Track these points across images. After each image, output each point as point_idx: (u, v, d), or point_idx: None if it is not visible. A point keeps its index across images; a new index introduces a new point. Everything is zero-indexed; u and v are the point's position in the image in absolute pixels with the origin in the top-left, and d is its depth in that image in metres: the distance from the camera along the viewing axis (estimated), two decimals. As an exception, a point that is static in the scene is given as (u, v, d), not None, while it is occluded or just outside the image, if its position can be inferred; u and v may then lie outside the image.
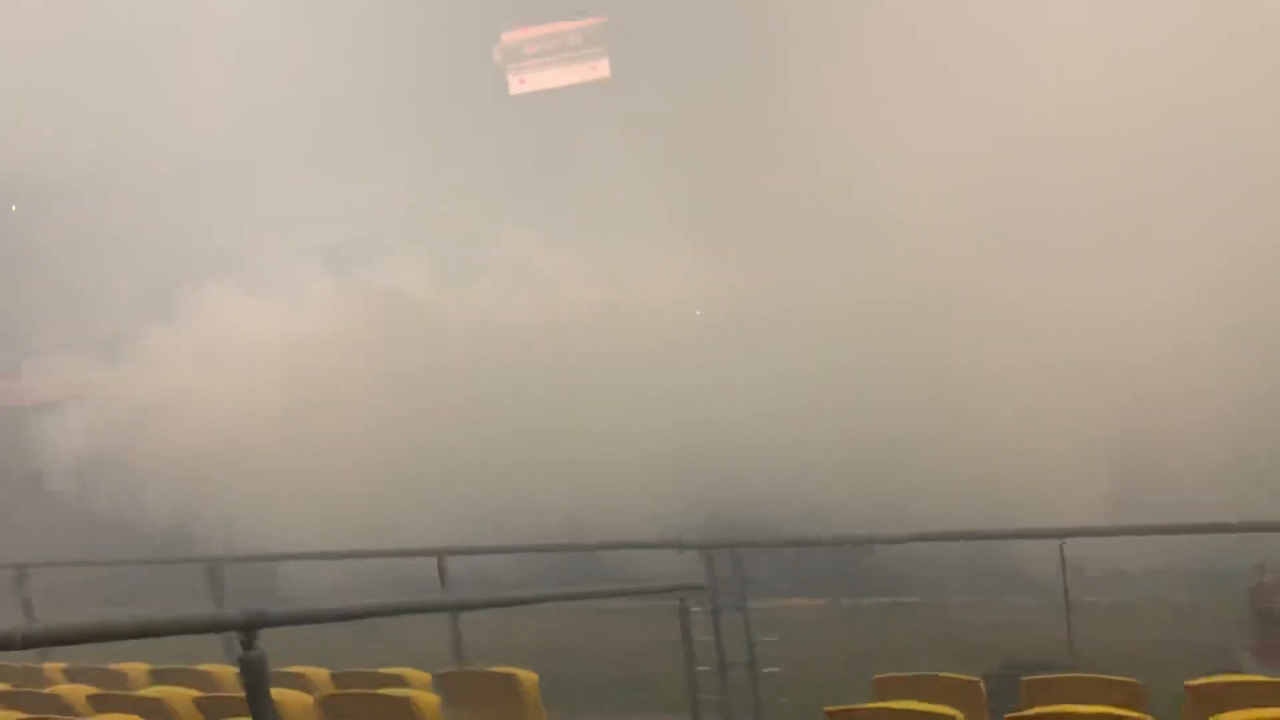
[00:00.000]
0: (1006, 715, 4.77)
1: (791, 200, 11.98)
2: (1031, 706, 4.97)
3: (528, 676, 5.96)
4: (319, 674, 6.19)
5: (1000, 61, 10.88)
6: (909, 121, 11.09)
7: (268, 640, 3.24)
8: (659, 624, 6.81)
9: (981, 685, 5.41)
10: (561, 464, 11.04)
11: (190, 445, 12.36)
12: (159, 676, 6.45)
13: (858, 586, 9.56)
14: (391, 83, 15.54)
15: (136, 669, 6.53)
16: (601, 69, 18.51)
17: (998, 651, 7.54)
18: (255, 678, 3.20)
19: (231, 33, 15.55)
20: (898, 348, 10.62)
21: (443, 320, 13.10)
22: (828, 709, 4.86)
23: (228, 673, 6.28)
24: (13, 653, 4.99)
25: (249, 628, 3.15)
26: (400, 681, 5.94)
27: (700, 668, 6.76)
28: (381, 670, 6.14)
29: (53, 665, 6.70)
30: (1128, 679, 5.17)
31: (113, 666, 6.54)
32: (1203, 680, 5.01)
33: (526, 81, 18.89)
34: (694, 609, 6.70)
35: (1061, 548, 6.64)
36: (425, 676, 6.08)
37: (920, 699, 5.04)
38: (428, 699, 5.54)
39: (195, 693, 5.86)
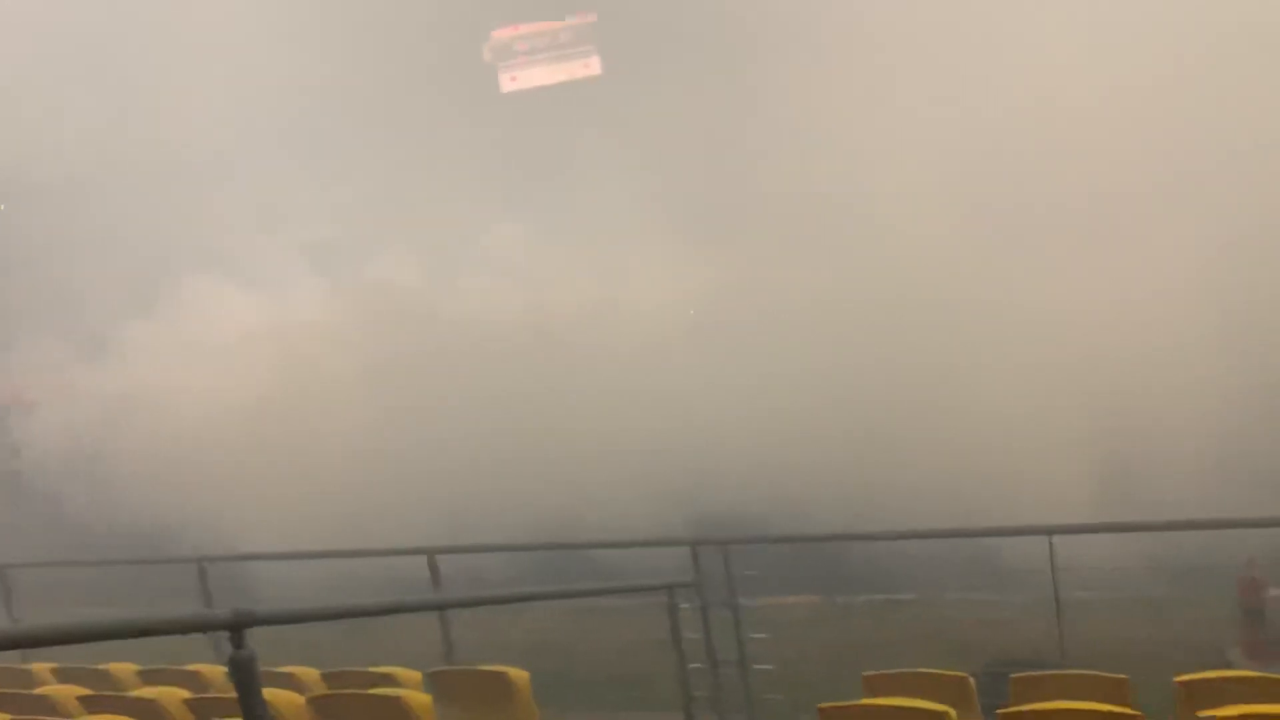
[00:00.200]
0: (997, 711, 4.77)
1: (779, 199, 11.99)
2: (1021, 703, 4.99)
3: (519, 675, 5.95)
4: (310, 673, 6.17)
5: (985, 62, 10.93)
6: (896, 122, 11.13)
7: (256, 640, 3.23)
8: (650, 621, 6.80)
9: (971, 682, 5.42)
10: (550, 462, 11.04)
11: (174, 443, 12.30)
12: (148, 677, 6.42)
13: (848, 584, 9.57)
14: (381, 80, 15.51)
15: (125, 669, 6.50)
16: (592, 66, 18.49)
17: (988, 648, 7.56)
18: (245, 677, 3.18)
19: (220, 31, 15.50)
20: (886, 346, 10.64)
21: (431, 318, 13.08)
22: (821, 706, 4.86)
23: (217, 673, 6.26)
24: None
25: (238, 627, 3.13)
26: (391, 681, 5.93)
27: (692, 665, 6.76)
28: (372, 669, 6.12)
29: (42, 666, 6.66)
30: (1116, 675, 5.18)
31: (101, 667, 6.51)
32: (1192, 676, 5.02)
33: (517, 79, 18.86)
34: (683, 606, 6.70)
35: (1050, 544, 6.65)
36: (416, 675, 6.07)
37: (911, 695, 5.05)
38: (419, 698, 5.53)
39: (185, 693, 5.84)
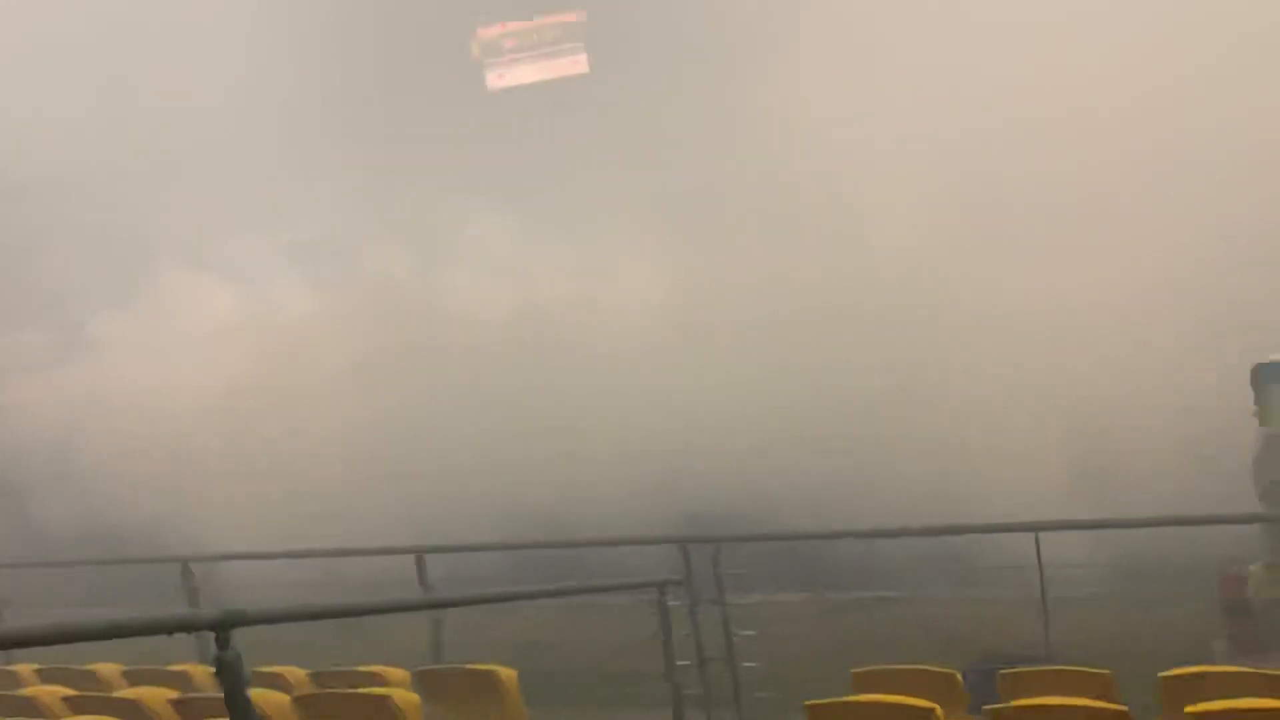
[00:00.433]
0: (985, 707, 4.79)
1: (764, 197, 12.02)
2: (1009, 698, 5.01)
3: (508, 673, 5.94)
4: (297, 673, 6.16)
5: (968, 62, 10.99)
6: (880, 122, 11.19)
7: (242, 639, 3.21)
8: (639, 619, 6.81)
9: (959, 678, 5.44)
10: (538, 461, 11.03)
11: (151, 441, 12.21)
12: (133, 677, 6.40)
13: (836, 581, 9.59)
14: (367, 76, 15.48)
15: (110, 670, 6.47)
16: (580, 64, 18.48)
17: (975, 645, 7.58)
18: (232, 678, 3.16)
19: (206, 28, 15.45)
20: (873, 344, 10.68)
21: (416, 315, 13.04)
22: (807, 703, 4.87)
23: (204, 673, 6.24)
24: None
25: (224, 627, 3.12)
26: (379, 680, 5.92)
27: (681, 662, 6.77)
28: (360, 669, 6.11)
29: (25, 666, 6.63)
30: (1103, 670, 5.21)
31: (86, 668, 6.47)
32: (1176, 672, 5.05)
33: (505, 77, 18.84)
34: (673, 603, 6.71)
35: (1037, 541, 6.69)
36: (404, 675, 6.06)
37: (899, 692, 5.07)
38: (408, 697, 5.52)
39: (172, 693, 5.82)
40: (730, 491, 10.22)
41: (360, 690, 5.61)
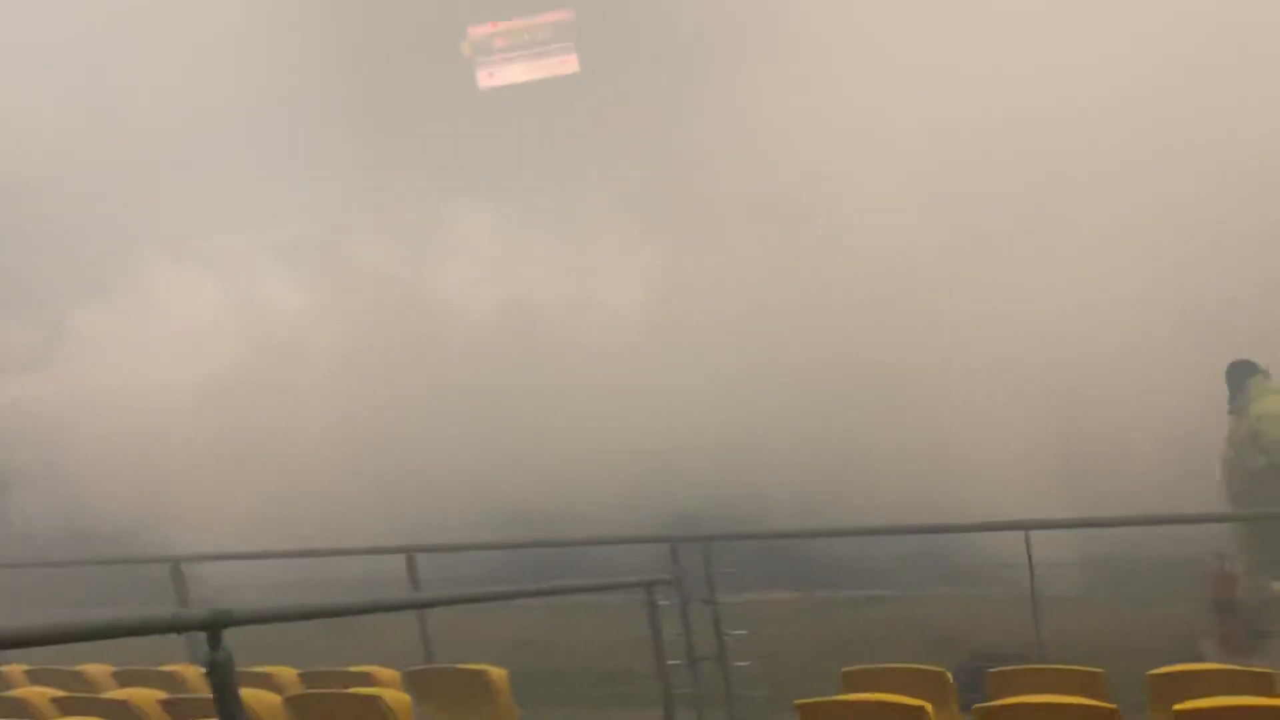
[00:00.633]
0: (975, 706, 4.81)
1: (755, 197, 12.05)
2: (999, 697, 5.03)
3: (498, 673, 5.95)
4: (287, 673, 6.15)
5: (955, 63, 11.05)
6: (867, 121, 11.22)
7: (233, 640, 3.21)
8: (630, 618, 6.81)
9: (949, 676, 5.46)
10: (528, 459, 11.02)
11: (133, 439, 12.13)
12: (123, 678, 6.38)
13: (827, 580, 9.61)
14: (359, 75, 15.46)
15: (100, 671, 6.45)
16: (570, 64, 18.50)
17: (966, 643, 7.61)
18: (222, 678, 3.16)
19: (196, 26, 15.41)
20: (866, 343, 10.69)
21: (405, 313, 13.00)
22: (797, 701, 4.89)
23: (194, 673, 6.23)
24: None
25: (214, 627, 3.12)
26: (370, 680, 5.92)
27: (672, 661, 6.78)
28: (351, 669, 6.10)
29: (14, 668, 6.60)
30: (1092, 669, 5.23)
31: (75, 668, 6.45)
32: (1165, 670, 5.08)
33: (495, 76, 18.85)
34: (663, 602, 6.71)
35: (1027, 539, 6.71)
36: (395, 674, 6.06)
37: (889, 691, 5.08)
38: (398, 697, 5.52)
39: (161, 694, 5.81)
40: (720, 490, 10.22)
41: (351, 690, 5.60)
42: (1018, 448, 9.54)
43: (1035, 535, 6.78)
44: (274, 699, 5.54)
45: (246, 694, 4.45)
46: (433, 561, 7.88)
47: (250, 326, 13.20)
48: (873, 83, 11.24)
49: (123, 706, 5.52)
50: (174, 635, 3.33)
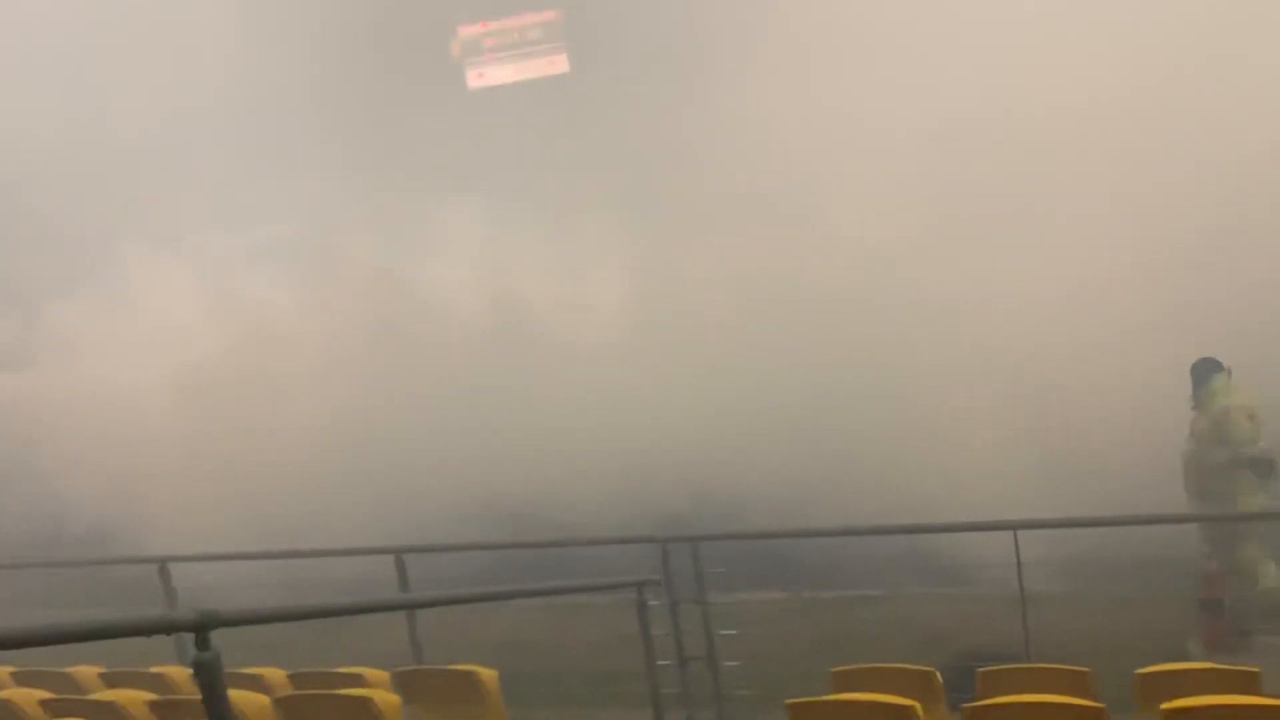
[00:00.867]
0: (963, 705, 4.82)
1: (743, 196, 12.07)
2: (987, 696, 5.05)
3: (488, 674, 5.94)
4: (276, 674, 6.14)
5: (935, 61, 11.10)
6: (855, 120, 11.28)
7: (221, 641, 3.20)
8: (620, 618, 6.81)
9: (938, 676, 5.48)
10: (517, 459, 11.01)
11: (114, 438, 12.04)
12: (111, 680, 6.36)
13: (816, 580, 9.64)
14: (348, 74, 15.43)
15: (88, 672, 6.43)
16: (560, 64, 18.49)
17: (954, 643, 7.64)
18: (210, 679, 3.15)
19: (186, 25, 15.36)
20: (856, 342, 10.74)
21: (394, 313, 12.98)
22: (788, 701, 4.89)
23: (182, 675, 6.21)
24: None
25: (202, 629, 3.11)
26: (359, 681, 5.91)
27: (661, 661, 6.78)
28: (340, 670, 6.09)
29: (1, 669, 6.57)
30: (1080, 668, 5.25)
31: (63, 670, 6.43)
32: (1153, 669, 5.10)
33: (484, 76, 18.83)
34: (652, 602, 6.72)
35: (1015, 539, 6.73)
36: (384, 675, 6.05)
37: (878, 690, 5.09)
38: (388, 698, 5.51)
39: (150, 695, 5.79)
40: (710, 490, 10.25)
41: (340, 691, 5.59)
42: (1003, 445, 9.59)
43: (1027, 534, 6.80)
44: (263, 700, 5.53)
45: (235, 695, 4.44)
46: (422, 561, 7.87)
47: (235, 323, 13.14)
48: (859, 82, 11.30)
49: (111, 708, 5.50)
50: (162, 636, 3.31)
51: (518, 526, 10.42)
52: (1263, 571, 7.68)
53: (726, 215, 12.21)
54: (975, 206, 10.85)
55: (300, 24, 14.89)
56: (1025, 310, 10.15)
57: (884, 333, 10.63)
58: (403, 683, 5.98)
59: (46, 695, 5.84)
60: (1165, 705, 4.41)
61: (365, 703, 5.30)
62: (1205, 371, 7.92)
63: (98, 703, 5.67)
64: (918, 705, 4.78)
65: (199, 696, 3.17)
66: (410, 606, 7.45)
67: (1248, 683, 4.86)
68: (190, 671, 3.20)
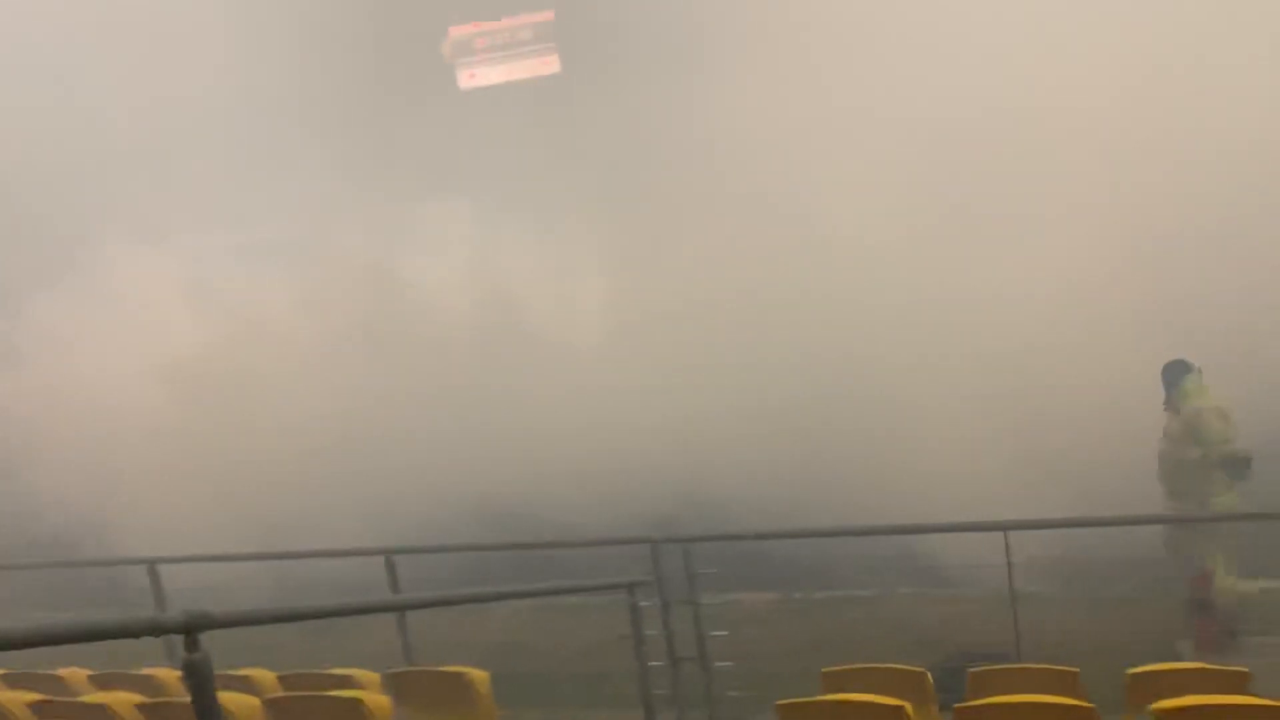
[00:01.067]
0: (954, 705, 4.83)
1: (733, 196, 12.11)
2: (978, 696, 5.06)
3: (479, 675, 5.93)
4: (266, 676, 6.12)
5: (921, 63, 11.17)
6: (839, 120, 11.31)
7: (211, 642, 3.19)
8: (611, 619, 6.81)
9: (928, 676, 5.49)
10: (508, 460, 11.00)
11: (101, 438, 11.98)
12: (100, 681, 6.33)
13: (807, 581, 9.65)
14: (339, 74, 15.41)
15: (76, 674, 6.40)
16: (552, 65, 18.49)
17: (945, 643, 7.65)
18: (199, 681, 3.14)
19: (177, 24, 15.32)
20: (847, 342, 10.76)
21: (383, 313, 12.96)
22: (779, 702, 4.89)
23: (171, 676, 6.19)
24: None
25: (191, 630, 3.10)
26: (349, 682, 5.89)
27: (653, 662, 6.78)
28: (330, 671, 6.07)
29: (-11, 671, 6.54)
30: (1069, 668, 5.27)
31: (52, 672, 6.40)
32: (1142, 669, 5.11)
33: (476, 76, 18.82)
34: (644, 603, 6.72)
35: (1006, 539, 6.75)
36: (374, 677, 6.04)
37: (869, 691, 5.10)
38: (378, 700, 5.50)
39: (138, 698, 5.76)
40: (701, 491, 10.25)
41: (330, 693, 5.58)
42: (990, 444, 9.63)
43: (1018, 535, 6.81)
44: (253, 702, 5.51)
45: (225, 697, 4.43)
46: (412, 562, 7.85)
47: (225, 323, 13.09)
48: (847, 84, 11.35)
49: (100, 710, 5.48)
50: (151, 638, 3.29)
51: (509, 527, 10.41)
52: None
53: (718, 216, 12.23)
54: (962, 207, 10.92)
55: (292, 23, 14.87)
56: (1012, 310, 10.20)
57: (875, 332, 10.66)
58: (393, 684, 5.97)
59: (35, 697, 5.81)
60: (1155, 705, 4.43)
61: (355, 704, 5.29)
62: (1176, 373, 8.04)
63: (87, 705, 5.64)
64: (908, 705, 4.78)
65: (189, 698, 3.16)
66: (401, 608, 7.43)
67: (1238, 683, 4.88)
68: (180, 673, 3.19)
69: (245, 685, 5.87)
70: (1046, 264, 10.23)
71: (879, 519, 7.87)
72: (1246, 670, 4.96)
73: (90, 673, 6.44)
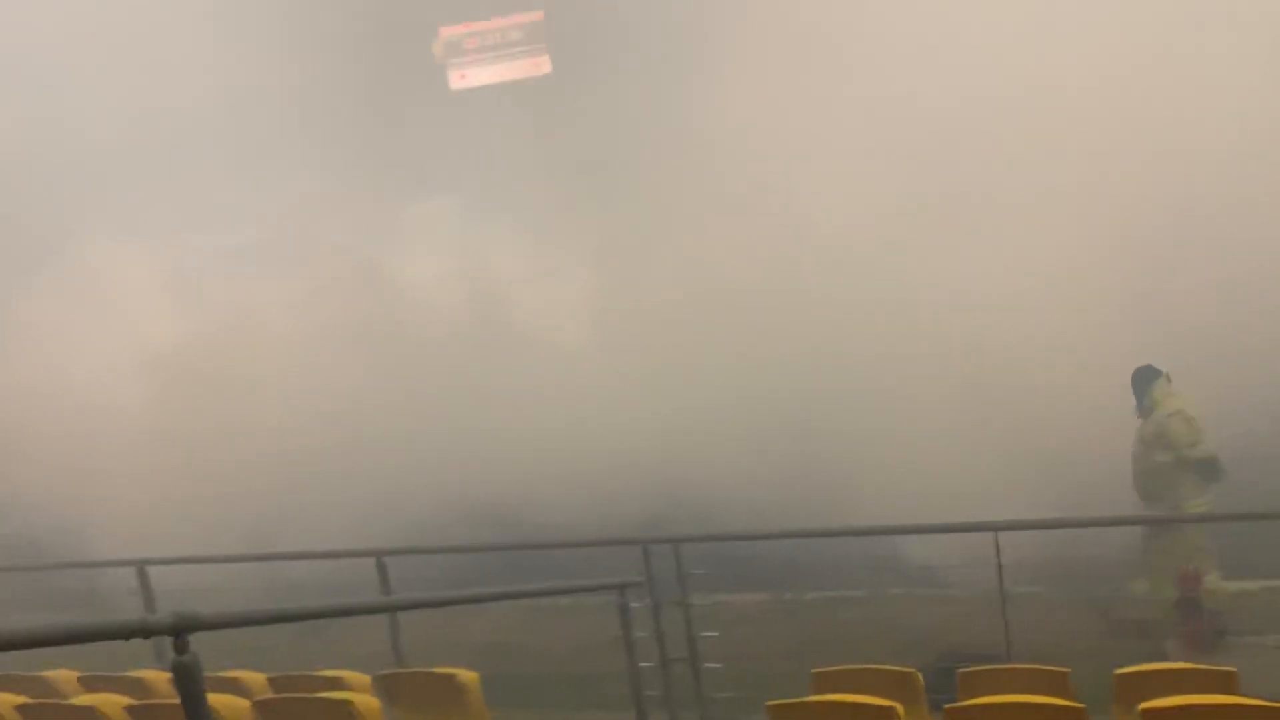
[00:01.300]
0: (945, 706, 4.84)
1: (723, 197, 12.13)
2: (968, 697, 5.06)
3: (469, 676, 5.92)
4: (255, 678, 6.10)
5: (896, 64, 11.23)
6: (826, 124, 11.36)
7: (200, 644, 3.18)
8: (601, 620, 6.81)
9: (919, 677, 5.49)
10: (498, 461, 10.99)
11: (84, 438, 11.92)
12: (89, 684, 6.31)
13: (797, 581, 9.66)
14: (329, 74, 15.40)
15: (65, 677, 6.37)
16: (543, 65, 18.49)
17: (936, 643, 7.66)
18: (188, 683, 3.13)
19: (169, 24, 15.29)
20: (838, 342, 10.78)
21: (371, 313, 12.93)
22: (769, 703, 4.90)
23: (160, 678, 6.17)
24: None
25: (180, 632, 3.09)
26: (339, 684, 5.88)
27: (643, 663, 6.78)
28: (320, 673, 6.06)
29: (-23, 674, 6.51)
30: (1059, 668, 5.28)
31: (40, 674, 6.37)
32: (1131, 669, 5.13)
33: (466, 77, 18.81)
34: (634, 604, 6.72)
35: (996, 540, 6.76)
36: (365, 679, 6.02)
37: (860, 691, 5.10)
38: (368, 702, 5.48)
39: (127, 700, 5.74)
40: (690, 490, 10.25)
41: (320, 695, 5.56)
42: (976, 443, 9.66)
43: (1007, 535, 6.83)
44: (242, 704, 5.49)
45: (214, 699, 4.42)
46: (403, 564, 7.84)
47: (213, 322, 13.05)
48: (832, 85, 11.41)
49: (89, 713, 5.46)
50: (140, 640, 3.28)
51: (499, 528, 10.39)
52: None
53: (706, 215, 12.26)
54: (951, 205, 10.99)
55: (283, 23, 14.85)
56: (1002, 308, 10.25)
57: (865, 331, 10.70)
58: (383, 686, 5.95)
59: (23, 700, 5.79)
60: (1143, 705, 4.44)
61: (346, 706, 5.28)
62: (1145, 378, 8.10)
63: (75, 707, 5.62)
64: (899, 706, 4.79)
65: (178, 700, 3.15)
66: (391, 609, 7.42)
67: (1225, 683, 4.89)
68: (169, 675, 3.18)
69: (235, 687, 5.85)
70: (1036, 261, 10.27)
71: (868, 518, 7.90)
72: (1234, 670, 4.97)
73: (78, 675, 6.41)
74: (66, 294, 13.05)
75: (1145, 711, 4.39)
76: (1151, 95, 10.22)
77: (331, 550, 8.18)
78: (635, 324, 11.97)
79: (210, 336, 12.70)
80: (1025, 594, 7.42)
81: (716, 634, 7.32)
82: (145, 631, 3.19)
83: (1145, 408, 8.13)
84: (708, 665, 7.24)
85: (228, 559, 8.56)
